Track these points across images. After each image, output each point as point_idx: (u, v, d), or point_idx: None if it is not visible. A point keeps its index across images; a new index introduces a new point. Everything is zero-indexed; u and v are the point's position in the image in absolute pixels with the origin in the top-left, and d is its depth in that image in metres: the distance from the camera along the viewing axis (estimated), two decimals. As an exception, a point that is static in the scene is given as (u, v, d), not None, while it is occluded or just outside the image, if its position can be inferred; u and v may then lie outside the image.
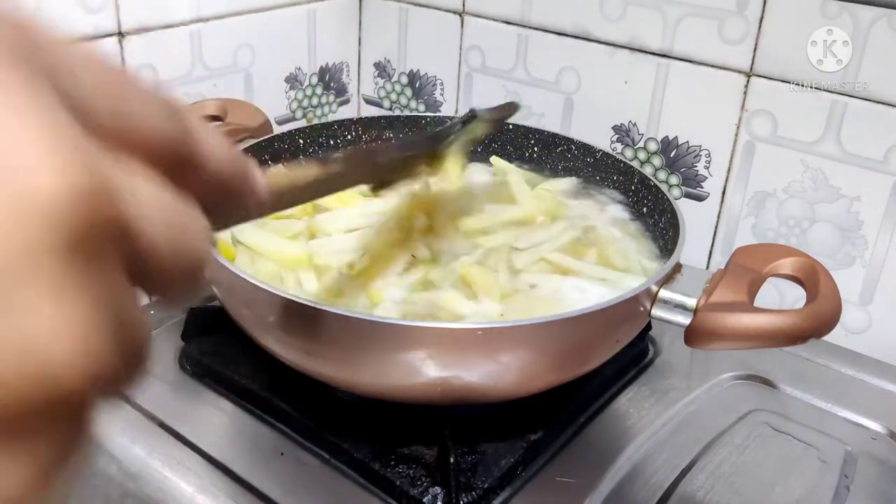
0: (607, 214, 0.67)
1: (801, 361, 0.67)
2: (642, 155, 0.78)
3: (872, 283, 0.68)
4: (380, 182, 0.51)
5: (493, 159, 0.76)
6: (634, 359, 0.65)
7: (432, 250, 0.60)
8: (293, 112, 0.90)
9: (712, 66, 0.71)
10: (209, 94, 0.79)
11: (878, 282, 0.68)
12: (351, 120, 0.77)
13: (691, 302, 0.51)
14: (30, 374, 0.15)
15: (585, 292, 0.56)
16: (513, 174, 0.72)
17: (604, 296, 0.55)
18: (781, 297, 0.73)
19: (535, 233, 0.63)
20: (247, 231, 0.59)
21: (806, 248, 0.67)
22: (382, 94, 0.95)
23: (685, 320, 0.51)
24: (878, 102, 0.64)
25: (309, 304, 0.48)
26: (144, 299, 0.20)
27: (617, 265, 0.60)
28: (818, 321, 0.48)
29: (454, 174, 0.63)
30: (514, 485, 0.52)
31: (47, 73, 0.17)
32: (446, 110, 0.90)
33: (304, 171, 0.40)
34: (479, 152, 0.77)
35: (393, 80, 0.94)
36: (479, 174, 0.73)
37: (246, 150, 0.69)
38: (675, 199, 0.70)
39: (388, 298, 0.54)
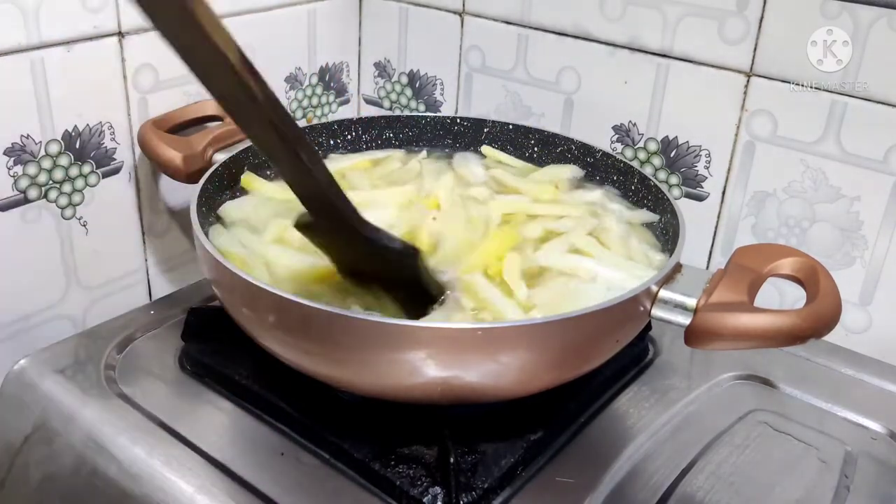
0: (608, 210, 0.67)
1: (801, 361, 0.67)
2: (642, 155, 0.78)
3: (872, 283, 0.68)
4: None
5: (485, 149, 0.76)
6: (634, 359, 0.65)
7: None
8: (293, 112, 0.90)
9: (712, 66, 0.71)
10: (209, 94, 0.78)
11: (878, 282, 0.68)
12: (351, 120, 0.77)
13: (691, 302, 0.51)
14: None
15: (596, 279, 0.56)
16: (502, 167, 0.73)
17: (614, 282, 0.55)
18: (781, 297, 0.73)
19: (557, 223, 0.63)
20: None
21: (806, 248, 0.67)
22: (382, 94, 0.95)
23: (685, 320, 0.51)
24: (878, 102, 0.64)
25: (309, 304, 0.48)
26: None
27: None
28: (818, 321, 0.48)
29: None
30: (514, 485, 0.52)
31: None
32: (446, 110, 0.90)
33: None
34: (472, 144, 0.77)
35: (393, 80, 0.94)
36: (471, 164, 0.73)
37: (246, 150, 0.69)
38: (675, 199, 0.71)
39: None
